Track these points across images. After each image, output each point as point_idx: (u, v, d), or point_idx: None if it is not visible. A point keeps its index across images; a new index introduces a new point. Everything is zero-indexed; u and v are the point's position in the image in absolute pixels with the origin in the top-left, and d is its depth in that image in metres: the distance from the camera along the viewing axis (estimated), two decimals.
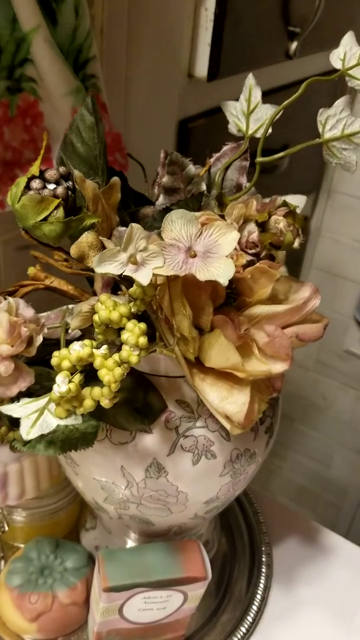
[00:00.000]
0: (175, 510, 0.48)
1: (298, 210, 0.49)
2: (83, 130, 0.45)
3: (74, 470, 0.49)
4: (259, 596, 0.60)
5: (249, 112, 0.46)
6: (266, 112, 0.45)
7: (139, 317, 0.41)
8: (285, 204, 0.41)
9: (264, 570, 0.62)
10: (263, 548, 0.64)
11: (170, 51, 0.71)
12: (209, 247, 0.37)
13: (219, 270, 0.36)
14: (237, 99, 0.46)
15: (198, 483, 0.46)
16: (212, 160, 0.47)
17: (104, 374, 0.35)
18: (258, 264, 0.41)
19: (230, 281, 0.43)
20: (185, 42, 0.72)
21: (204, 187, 0.45)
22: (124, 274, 0.35)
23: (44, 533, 0.60)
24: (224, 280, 0.35)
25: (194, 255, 0.37)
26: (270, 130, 0.45)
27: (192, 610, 0.53)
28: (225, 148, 0.47)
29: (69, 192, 0.37)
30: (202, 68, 0.74)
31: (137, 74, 0.71)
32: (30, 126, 0.52)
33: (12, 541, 0.61)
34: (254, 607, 0.60)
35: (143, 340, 0.36)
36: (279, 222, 0.40)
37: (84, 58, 0.53)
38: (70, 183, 0.38)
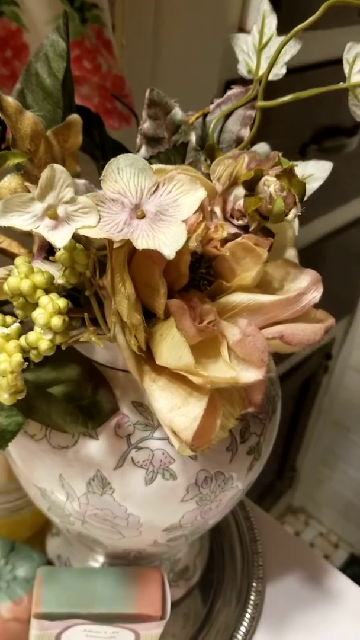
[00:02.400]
0: (127, 534, 0.39)
1: (318, 179, 0.39)
2: (52, 59, 0.36)
3: (16, 470, 0.42)
4: None
5: (261, 46, 0.36)
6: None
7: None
8: (279, 162, 0.31)
9: (249, 610, 0.52)
10: (254, 584, 0.54)
11: None
12: (163, 207, 0.28)
13: (167, 237, 0.26)
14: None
15: (152, 507, 0.37)
16: (211, 106, 0.38)
17: (1, 360, 0.27)
18: (240, 238, 0.32)
19: (208, 259, 0.34)
20: None
21: (192, 137, 0.36)
22: (35, 230, 0.26)
23: (4, 533, 0.52)
24: (169, 252, 0.26)
25: (142, 216, 0.28)
26: (284, 70, 0.35)
27: None
28: (229, 92, 0.37)
29: None
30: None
31: (170, 20, 0.62)
32: (11, 59, 0.44)
33: None
34: None
35: (57, 321, 0.27)
36: (269, 184, 0.30)
37: None
38: None
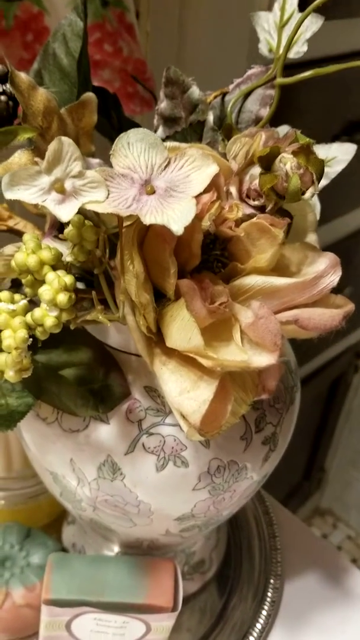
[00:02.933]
0: (139, 522, 0.39)
1: (341, 162, 0.37)
2: (70, 39, 0.36)
3: (29, 455, 0.41)
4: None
5: (282, 24, 0.35)
6: (304, 24, 0.34)
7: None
8: (297, 139, 0.30)
9: (266, 607, 0.51)
10: (272, 580, 0.53)
11: None
12: (174, 183, 0.27)
13: (176, 213, 0.26)
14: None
15: (163, 494, 0.36)
16: (230, 86, 0.37)
17: (6, 336, 0.27)
18: (255, 218, 0.31)
19: (223, 241, 0.33)
20: None
21: (209, 116, 0.35)
22: (42, 204, 0.26)
23: (21, 518, 0.52)
24: (177, 228, 0.25)
25: (152, 192, 0.27)
26: (305, 48, 0.34)
27: None
28: (249, 72, 0.37)
29: (5, 99, 0.29)
30: None
31: (196, 5, 0.61)
32: (32, 43, 0.44)
33: None
34: None
35: (63, 297, 0.27)
36: (285, 161, 0.29)
37: None
38: (9, 87, 0.29)
